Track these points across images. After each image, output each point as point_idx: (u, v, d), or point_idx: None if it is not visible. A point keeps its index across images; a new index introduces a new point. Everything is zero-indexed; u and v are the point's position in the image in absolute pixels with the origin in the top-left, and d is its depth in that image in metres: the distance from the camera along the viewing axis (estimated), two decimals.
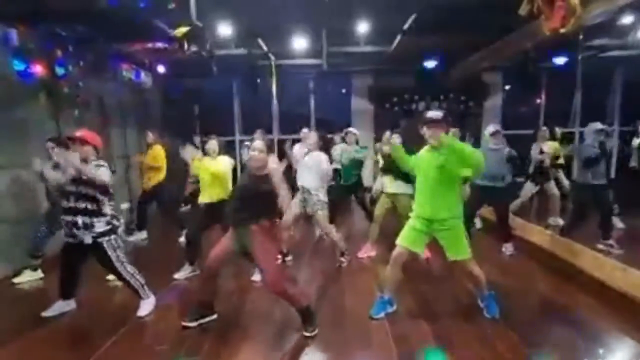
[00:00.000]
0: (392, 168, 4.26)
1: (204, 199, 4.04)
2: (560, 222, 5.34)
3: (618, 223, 5.28)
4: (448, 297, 3.57)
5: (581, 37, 5.27)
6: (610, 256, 4.13)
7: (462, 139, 5.65)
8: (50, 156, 3.79)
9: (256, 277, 3.85)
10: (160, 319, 3.27)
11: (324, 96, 9.26)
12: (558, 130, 5.41)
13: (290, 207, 4.35)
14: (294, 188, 4.40)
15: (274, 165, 2.83)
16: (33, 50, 4.59)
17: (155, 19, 4.43)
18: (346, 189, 5.23)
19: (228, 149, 4.36)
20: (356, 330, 3.01)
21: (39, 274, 4.16)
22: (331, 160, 5.25)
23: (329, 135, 6.09)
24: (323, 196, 4.25)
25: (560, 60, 6.86)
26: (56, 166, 3.68)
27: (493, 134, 4.54)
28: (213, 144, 4.07)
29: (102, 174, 3.01)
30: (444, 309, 3.33)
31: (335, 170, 5.36)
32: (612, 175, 8.13)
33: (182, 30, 3.78)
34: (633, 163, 6.10)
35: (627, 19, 5.00)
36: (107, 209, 3.13)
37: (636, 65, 7.26)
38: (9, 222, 4.34)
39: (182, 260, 4.17)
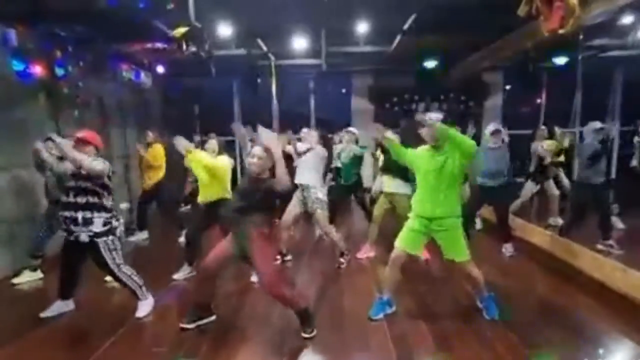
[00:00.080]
0: (391, 167, 4.26)
1: (202, 198, 4.02)
2: (560, 221, 5.34)
3: (618, 223, 5.28)
4: (447, 298, 3.56)
5: (581, 37, 5.26)
6: (610, 257, 4.12)
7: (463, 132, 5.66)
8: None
9: (255, 278, 3.84)
10: (158, 319, 3.26)
11: (324, 96, 9.27)
12: (557, 130, 5.39)
13: (290, 208, 4.36)
14: (296, 187, 4.39)
15: (274, 144, 2.76)
16: (32, 51, 4.60)
17: (154, 19, 4.42)
18: (346, 189, 5.23)
19: (228, 148, 4.35)
20: (355, 332, 3.00)
21: (39, 274, 4.16)
22: (331, 159, 5.27)
23: (329, 135, 6.09)
24: (323, 195, 4.24)
25: (560, 60, 6.83)
26: (59, 180, 3.69)
27: (493, 133, 4.54)
28: (213, 143, 4.06)
29: (97, 164, 2.98)
30: (443, 310, 3.32)
31: (336, 170, 5.37)
32: (613, 175, 8.13)
33: (181, 30, 3.78)
34: (634, 162, 6.09)
35: (627, 19, 4.99)
36: (109, 203, 3.13)
37: (636, 65, 7.24)
38: (8, 222, 4.34)
39: (182, 261, 4.17)
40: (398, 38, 6.05)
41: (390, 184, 4.40)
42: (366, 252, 4.69)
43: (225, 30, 5.20)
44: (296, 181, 4.28)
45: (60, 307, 3.30)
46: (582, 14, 3.17)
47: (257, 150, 2.83)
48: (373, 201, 5.23)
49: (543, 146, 5.49)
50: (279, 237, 4.34)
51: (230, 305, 3.47)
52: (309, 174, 4.20)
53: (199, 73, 6.68)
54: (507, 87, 9.14)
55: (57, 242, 3.68)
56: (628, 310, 3.30)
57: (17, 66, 4.47)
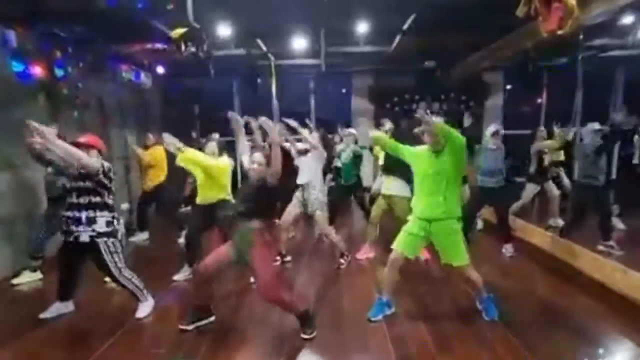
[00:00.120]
0: (392, 167, 4.25)
1: (200, 199, 4.00)
2: (561, 222, 5.33)
3: (619, 224, 5.27)
4: (447, 299, 3.56)
5: (581, 37, 5.24)
6: (611, 258, 4.11)
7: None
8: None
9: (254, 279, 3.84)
10: (158, 320, 3.26)
11: (324, 96, 9.25)
12: (556, 130, 5.38)
13: (290, 208, 4.35)
14: (295, 187, 4.39)
15: (273, 131, 2.76)
16: (32, 52, 4.59)
17: (154, 19, 4.42)
18: (346, 189, 5.22)
19: (229, 149, 4.34)
20: (354, 333, 3.00)
21: (38, 275, 4.16)
22: (332, 159, 5.27)
23: (329, 135, 6.09)
24: (323, 196, 4.24)
25: (561, 60, 6.83)
26: (59, 173, 3.69)
27: (493, 135, 4.58)
28: (212, 145, 4.03)
29: (89, 158, 2.97)
30: (443, 311, 3.32)
31: (336, 170, 5.37)
32: (613, 175, 8.10)
33: (179, 31, 3.78)
34: (636, 160, 6.08)
35: (627, 19, 4.97)
36: (110, 201, 3.13)
37: (637, 65, 7.22)
38: (8, 223, 4.34)
39: (182, 262, 4.16)
40: (398, 38, 6.04)
41: (389, 186, 4.39)
42: (366, 253, 4.68)
43: (224, 30, 5.20)
44: (297, 181, 4.28)
45: (59, 308, 3.30)
46: (580, 14, 3.16)
47: (258, 156, 2.83)
48: (373, 201, 5.23)
49: (544, 151, 5.49)
50: (279, 238, 4.34)
51: (230, 306, 3.47)
52: (309, 175, 4.19)
53: (199, 73, 6.68)
54: (508, 87, 9.11)
55: (57, 243, 3.68)
56: (628, 311, 3.29)
57: (17, 67, 4.47)
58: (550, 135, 5.64)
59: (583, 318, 3.23)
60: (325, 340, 2.89)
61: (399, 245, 3.10)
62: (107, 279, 3.68)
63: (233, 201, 3.78)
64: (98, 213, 3.05)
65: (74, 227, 3.02)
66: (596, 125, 4.46)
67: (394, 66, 7.80)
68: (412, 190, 3.52)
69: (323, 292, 3.77)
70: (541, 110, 8.93)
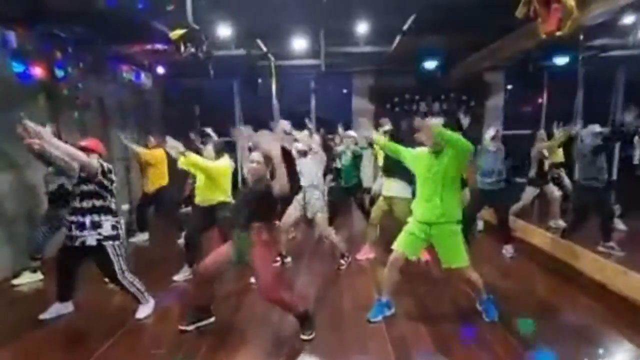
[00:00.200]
0: (392, 169, 4.25)
1: (199, 200, 4.00)
2: (562, 223, 5.32)
3: (620, 225, 5.26)
4: (447, 300, 3.56)
5: (582, 37, 5.23)
6: (612, 259, 4.10)
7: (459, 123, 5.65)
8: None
9: (254, 279, 3.83)
10: (158, 321, 3.27)
11: (325, 96, 9.24)
12: (556, 130, 5.37)
13: (290, 210, 4.35)
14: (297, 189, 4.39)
15: (273, 148, 2.72)
16: (32, 52, 4.60)
17: (153, 20, 4.42)
18: (346, 191, 5.22)
19: (229, 149, 4.33)
20: (354, 334, 3.00)
21: (39, 275, 4.17)
22: (333, 159, 5.27)
23: (330, 136, 6.09)
24: (323, 198, 4.24)
25: (561, 60, 6.81)
26: (59, 172, 3.69)
27: (493, 138, 4.60)
28: (209, 150, 4.02)
29: (91, 160, 2.97)
30: (443, 312, 3.32)
31: (336, 171, 5.37)
32: (614, 176, 8.09)
33: (179, 32, 3.78)
34: (636, 161, 6.07)
35: (628, 19, 4.96)
36: (113, 205, 3.13)
37: (638, 65, 7.21)
38: (8, 224, 4.34)
39: (181, 262, 4.16)
40: (398, 38, 6.03)
41: (389, 187, 4.39)
42: (366, 254, 4.68)
43: (225, 30, 5.20)
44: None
45: (59, 309, 3.31)
46: (580, 15, 3.15)
47: (256, 155, 2.82)
48: (373, 202, 5.23)
49: (545, 154, 5.48)
50: (279, 239, 4.34)
51: (229, 307, 3.47)
52: (310, 177, 4.20)
53: (199, 74, 6.68)
54: (509, 87, 9.10)
55: (56, 243, 3.68)
56: (629, 312, 3.29)
57: (17, 68, 4.47)
58: (550, 137, 5.63)
59: (583, 319, 3.22)
60: (324, 340, 2.89)
61: (400, 245, 3.10)
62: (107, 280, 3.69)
63: (233, 202, 3.78)
64: (102, 217, 3.06)
65: (78, 232, 3.02)
66: (597, 128, 4.46)
67: (395, 66, 7.80)
68: (413, 192, 3.51)
69: (323, 292, 3.77)
70: (542, 111, 8.91)
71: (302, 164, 4.26)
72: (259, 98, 8.25)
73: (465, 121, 3.86)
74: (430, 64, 7.22)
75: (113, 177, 3.14)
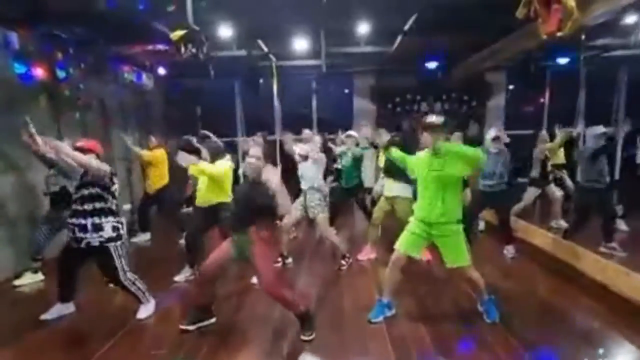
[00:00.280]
0: (393, 169, 4.25)
1: (200, 201, 4.00)
2: (563, 224, 5.31)
3: (622, 225, 5.24)
4: (447, 300, 3.55)
5: (584, 36, 5.21)
6: (613, 259, 4.08)
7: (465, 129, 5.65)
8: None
9: (255, 280, 3.83)
10: (159, 321, 3.27)
11: (326, 96, 9.24)
12: (558, 131, 5.35)
13: (291, 211, 4.35)
14: (299, 191, 4.40)
15: (271, 175, 2.78)
16: (33, 53, 4.61)
17: (154, 21, 4.43)
18: (347, 192, 5.21)
19: (229, 149, 4.33)
20: (354, 334, 2.99)
21: (40, 276, 4.18)
22: (334, 160, 5.27)
23: (331, 136, 6.09)
24: (324, 200, 4.24)
25: (563, 60, 6.80)
26: (61, 174, 3.70)
27: (494, 139, 4.56)
28: (204, 153, 3.99)
29: (97, 162, 3.00)
30: (443, 313, 3.32)
31: (337, 171, 5.37)
32: (617, 176, 8.05)
33: (179, 33, 3.78)
34: (639, 161, 6.05)
35: (630, 19, 4.94)
36: (114, 207, 3.14)
37: None
38: (10, 225, 4.36)
39: (183, 263, 4.17)
40: (399, 38, 6.03)
41: (391, 188, 4.40)
42: (367, 254, 4.68)
43: (226, 31, 5.21)
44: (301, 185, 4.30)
45: (60, 309, 3.32)
46: (580, 16, 3.14)
47: (254, 151, 2.84)
48: (374, 202, 5.23)
49: (546, 147, 5.45)
50: (280, 239, 4.35)
51: (230, 307, 3.47)
52: (311, 180, 4.21)
53: (200, 74, 6.70)
54: (510, 87, 9.07)
55: (58, 244, 3.69)
56: (630, 313, 3.27)
57: (19, 69, 4.49)
58: (552, 138, 5.61)
59: (585, 320, 3.22)
60: (325, 341, 2.89)
61: (402, 245, 3.10)
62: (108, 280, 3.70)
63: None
64: (104, 219, 3.06)
65: (81, 234, 3.03)
66: (600, 129, 4.39)
67: (396, 66, 7.79)
68: (414, 192, 3.51)
69: (324, 293, 3.77)
70: (544, 111, 8.88)
71: (303, 168, 4.28)
72: (260, 98, 8.26)
73: (473, 128, 3.87)
74: (431, 64, 7.23)
75: (115, 179, 3.16)
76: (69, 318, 3.31)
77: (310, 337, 2.89)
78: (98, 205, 3.05)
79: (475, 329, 3.01)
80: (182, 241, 4.95)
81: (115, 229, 3.11)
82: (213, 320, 3.14)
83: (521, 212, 5.61)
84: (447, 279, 3.90)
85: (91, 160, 2.96)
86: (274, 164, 4.82)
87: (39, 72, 4.71)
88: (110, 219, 3.10)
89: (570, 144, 5.64)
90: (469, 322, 3.10)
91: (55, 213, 4.03)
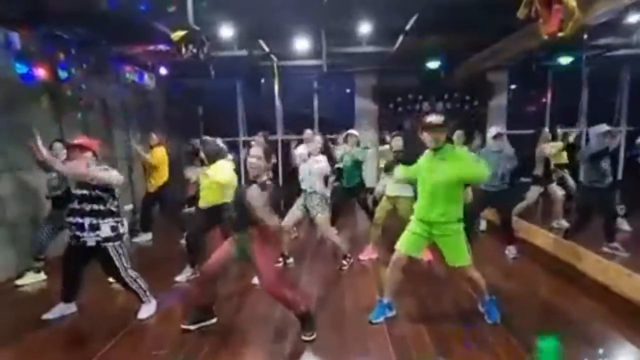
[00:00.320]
0: (393, 170, 4.24)
1: (203, 203, 4.01)
2: (564, 224, 5.29)
3: (624, 225, 5.22)
4: (448, 301, 3.54)
5: (586, 36, 5.19)
6: (615, 260, 4.06)
7: (469, 135, 5.64)
8: (57, 157, 3.78)
9: (256, 280, 3.83)
10: (160, 321, 3.28)
11: (328, 96, 9.24)
12: (560, 131, 5.34)
13: (292, 211, 4.35)
14: (299, 191, 4.40)
15: (255, 193, 2.75)
16: (35, 53, 4.63)
17: (155, 21, 4.44)
18: (348, 192, 5.21)
19: (230, 149, 4.33)
20: (355, 335, 2.99)
21: (42, 276, 4.19)
22: (335, 161, 5.26)
23: (332, 136, 6.09)
24: (325, 200, 4.24)
25: (565, 60, 6.77)
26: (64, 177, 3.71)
27: (495, 137, 4.54)
28: (201, 157, 4.01)
29: (109, 175, 3.03)
30: (444, 313, 3.31)
31: (338, 171, 5.36)
32: (619, 176, 8.03)
33: (179, 34, 3.79)
34: None
35: (632, 18, 4.93)
36: (114, 207, 3.15)
37: None
38: (12, 225, 4.37)
39: (184, 263, 4.18)
40: (400, 38, 6.02)
41: (393, 187, 4.39)
42: (369, 254, 4.68)
43: (227, 31, 5.22)
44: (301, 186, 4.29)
45: (62, 309, 3.32)
46: (581, 16, 3.12)
47: (254, 150, 2.84)
48: (375, 202, 5.22)
49: (548, 148, 5.43)
50: (281, 239, 4.34)
51: (232, 307, 3.48)
52: (312, 181, 4.20)
53: (202, 74, 6.71)
54: (512, 86, 9.06)
55: (60, 244, 3.70)
56: (632, 314, 3.25)
57: (21, 69, 4.51)
58: (554, 137, 5.59)
59: (586, 321, 3.20)
60: (325, 341, 2.88)
61: (403, 245, 3.09)
62: (111, 279, 3.71)
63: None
64: (101, 220, 3.06)
65: (79, 233, 3.04)
66: (604, 128, 4.31)
67: (397, 66, 7.79)
68: (415, 191, 3.51)
69: (325, 293, 3.77)
70: (546, 110, 8.88)
71: (304, 169, 4.27)
72: (262, 98, 8.28)
73: (477, 139, 3.87)
74: (433, 64, 7.22)
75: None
76: (70, 318, 3.31)
77: (311, 337, 2.88)
78: (96, 207, 3.05)
79: (477, 329, 3.00)
80: (183, 241, 4.96)
81: (113, 229, 3.11)
82: (214, 320, 3.14)
83: (523, 212, 5.60)
84: (448, 279, 3.89)
85: (106, 177, 2.99)
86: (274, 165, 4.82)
87: (41, 72, 4.72)
88: (109, 219, 3.10)
89: (572, 145, 5.63)
90: (470, 322, 3.09)
91: (56, 212, 4.04)
